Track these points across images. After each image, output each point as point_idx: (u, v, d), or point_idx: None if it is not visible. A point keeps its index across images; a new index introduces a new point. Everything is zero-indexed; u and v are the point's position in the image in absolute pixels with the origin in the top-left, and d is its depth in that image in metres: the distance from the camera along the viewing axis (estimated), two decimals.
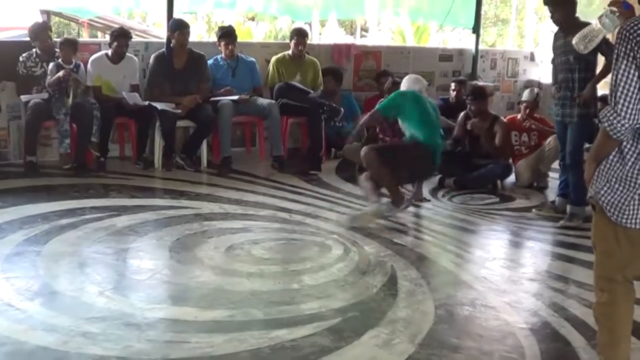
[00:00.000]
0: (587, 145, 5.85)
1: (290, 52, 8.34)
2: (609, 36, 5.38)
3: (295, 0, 9.98)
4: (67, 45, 7.21)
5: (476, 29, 10.09)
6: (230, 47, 7.98)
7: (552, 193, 6.94)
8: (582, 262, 4.94)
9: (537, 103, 7.64)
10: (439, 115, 6.46)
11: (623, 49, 2.68)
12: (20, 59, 7.16)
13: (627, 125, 2.68)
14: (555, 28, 6.17)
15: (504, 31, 24.20)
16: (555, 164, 7.07)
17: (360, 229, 5.58)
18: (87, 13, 10.42)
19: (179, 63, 7.73)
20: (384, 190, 5.98)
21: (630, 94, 2.65)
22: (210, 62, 7.98)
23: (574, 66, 5.85)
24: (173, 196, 6.40)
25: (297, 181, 7.19)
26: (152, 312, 3.86)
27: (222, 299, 4.08)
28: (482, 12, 10.72)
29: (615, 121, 2.69)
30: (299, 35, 8.41)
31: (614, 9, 4.92)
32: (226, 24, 12.52)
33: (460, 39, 18.55)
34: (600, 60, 5.82)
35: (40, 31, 7.28)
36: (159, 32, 15.20)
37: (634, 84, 2.65)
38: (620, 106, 2.66)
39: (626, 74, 2.66)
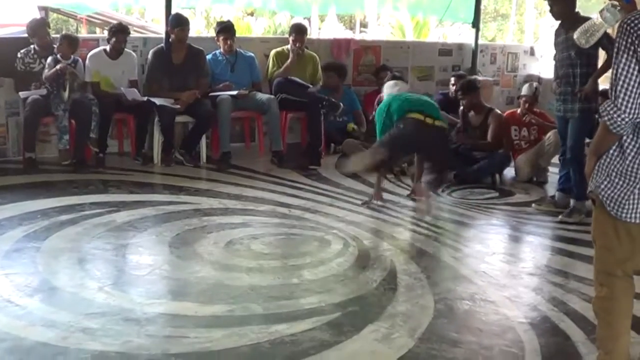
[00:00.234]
0: (587, 140, 5.85)
1: (289, 47, 8.32)
2: (610, 31, 5.38)
3: None
4: (67, 41, 7.19)
5: (476, 24, 10.06)
6: (229, 42, 7.97)
7: (551, 188, 6.94)
8: (581, 256, 4.94)
9: (537, 97, 7.64)
10: (431, 101, 6.36)
11: (624, 43, 2.67)
12: (19, 55, 7.15)
13: (627, 120, 2.67)
14: (556, 24, 6.15)
15: (503, 26, 24.19)
16: (555, 159, 7.07)
17: (359, 223, 5.59)
18: (86, 9, 10.39)
19: (177, 58, 7.71)
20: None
21: (630, 87, 2.65)
22: (209, 57, 7.96)
23: (575, 61, 5.84)
24: (172, 192, 6.39)
25: (296, 176, 7.19)
26: (151, 307, 3.86)
27: (222, 294, 4.08)
28: (482, 7, 10.68)
29: (615, 115, 2.68)
30: (298, 32, 8.39)
31: (615, 2, 4.92)
32: (225, 19, 12.49)
33: (459, 34, 18.56)
34: (601, 55, 5.81)
35: (39, 27, 7.27)
36: (158, 27, 15.17)
37: (634, 77, 2.64)
38: (620, 100, 2.66)
39: (627, 67, 2.65)
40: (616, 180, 2.79)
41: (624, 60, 2.66)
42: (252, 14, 21.44)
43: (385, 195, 6.36)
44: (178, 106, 7.45)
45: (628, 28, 2.68)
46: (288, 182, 6.93)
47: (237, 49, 8.11)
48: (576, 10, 5.91)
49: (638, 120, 2.69)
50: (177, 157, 7.53)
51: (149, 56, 7.78)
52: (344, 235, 5.31)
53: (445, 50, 10.00)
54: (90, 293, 4.03)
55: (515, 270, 4.77)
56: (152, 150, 7.53)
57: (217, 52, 8.06)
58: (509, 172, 7.59)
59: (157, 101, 7.38)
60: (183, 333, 3.55)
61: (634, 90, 2.65)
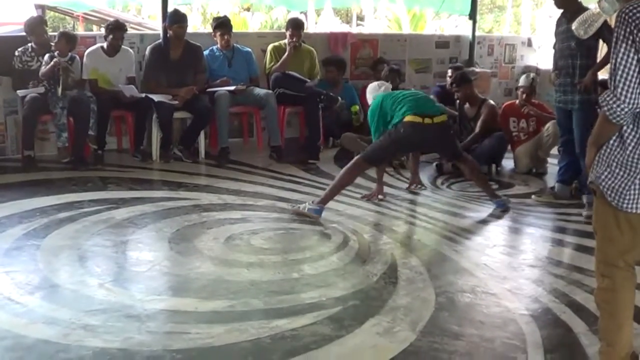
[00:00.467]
0: None
1: (285, 41, 8.31)
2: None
3: None
4: (65, 38, 7.18)
5: (473, 16, 10.05)
6: (226, 38, 7.96)
7: (551, 179, 6.94)
8: (582, 247, 4.94)
9: (534, 88, 7.63)
10: (425, 96, 6.22)
11: (622, 32, 2.66)
12: (16, 53, 7.13)
13: (626, 109, 2.67)
14: (555, 14, 6.13)
15: (500, 17, 24.15)
16: (554, 150, 7.07)
17: (359, 217, 5.58)
18: (82, 7, 10.40)
19: (175, 54, 7.70)
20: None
21: (629, 77, 2.64)
22: (206, 53, 7.95)
23: (575, 52, 5.81)
24: (171, 188, 6.39)
25: (295, 171, 7.18)
26: (152, 303, 3.85)
27: (222, 290, 4.08)
28: None
29: (614, 105, 2.68)
30: (294, 26, 8.37)
31: None
32: (221, 14, 12.46)
33: (456, 26, 18.52)
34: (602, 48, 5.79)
35: (36, 25, 7.26)
36: (154, 24, 15.14)
37: (633, 67, 2.63)
38: (619, 90, 2.65)
39: (625, 57, 2.64)
40: (617, 170, 2.78)
41: (622, 50, 2.65)
42: (248, 9, 21.37)
43: (385, 189, 6.35)
44: (176, 102, 7.44)
45: (626, 17, 2.67)
46: (287, 176, 6.93)
47: (234, 45, 8.10)
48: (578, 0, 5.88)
49: (638, 110, 2.68)
50: (175, 153, 7.53)
51: (147, 53, 7.76)
52: (344, 229, 5.31)
53: (442, 43, 9.98)
54: (90, 290, 4.02)
55: (516, 262, 4.77)
56: (150, 147, 7.52)
57: (214, 47, 8.04)
58: (508, 163, 7.59)
59: (155, 97, 7.37)
60: (184, 329, 3.54)
61: (633, 79, 2.64)
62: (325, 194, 5.67)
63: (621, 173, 2.77)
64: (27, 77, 7.13)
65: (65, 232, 5.03)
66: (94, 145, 7.23)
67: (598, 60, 5.88)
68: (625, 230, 2.85)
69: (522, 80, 7.63)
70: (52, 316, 3.63)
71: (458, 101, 7.70)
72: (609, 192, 2.81)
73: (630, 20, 2.64)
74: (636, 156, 2.73)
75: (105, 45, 7.51)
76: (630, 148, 2.74)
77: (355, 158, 5.79)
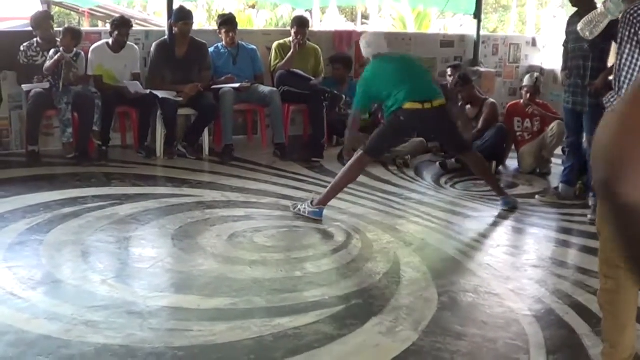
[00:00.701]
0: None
1: (290, 39, 8.30)
2: None
3: None
4: (70, 34, 7.18)
5: (477, 15, 10.03)
6: (231, 35, 7.95)
7: (555, 179, 6.92)
8: (586, 248, 4.93)
9: (538, 88, 7.61)
10: (420, 66, 6.02)
11: (627, 33, 2.66)
12: (22, 48, 7.13)
13: None
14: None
15: (505, 17, 24.12)
16: (558, 150, 7.05)
17: (362, 215, 5.58)
18: (88, 2, 10.42)
19: (180, 51, 7.70)
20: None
21: (634, 78, 2.63)
22: (211, 50, 7.95)
23: (588, 54, 5.73)
24: (175, 184, 6.39)
25: (299, 168, 7.18)
26: (154, 300, 3.85)
27: (225, 287, 4.08)
28: None
29: None
30: (299, 24, 8.36)
31: None
32: (227, 11, 12.47)
33: (461, 25, 18.48)
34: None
35: (43, 20, 7.26)
36: (160, 20, 15.16)
37: (638, 67, 2.63)
38: (624, 91, 2.64)
39: (630, 57, 2.64)
40: None
41: (627, 51, 2.66)
42: (253, 7, 21.38)
43: (388, 187, 6.35)
44: (181, 99, 7.44)
45: (631, 18, 2.67)
46: (291, 174, 6.92)
47: (239, 42, 8.09)
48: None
49: None
50: (179, 149, 7.52)
51: (152, 49, 7.76)
52: (347, 227, 5.31)
53: (447, 42, 9.97)
54: (93, 286, 4.03)
55: (519, 262, 4.76)
56: (154, 143, 7.53)
57: (219, 44, 8.04)
58: (512, 163, 7.58)
59: (160, 94, 7.37)
60: (186, 326, 3.54)
61: None
62: (326, 194, 5.56)
63: None
64: (32, 72, 7.13)
65: (68, 228, 5.03)
66: (98, 141, 7.24)
67: (610, 63, 5.83)
68: None
69: (526, 80, 7.62)
70: (55, 312, 3.63)
71: (460, 103, 7.69)
72: None
73: (635, 21, 2.65)
74: None
75: (110, 41, 7.52)
76: None
77: (358, 154, 5.61)
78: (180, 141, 7.59)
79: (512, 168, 7.56)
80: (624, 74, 2.65)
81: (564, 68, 6.09)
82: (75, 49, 7.19)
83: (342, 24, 20.16)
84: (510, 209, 5.92)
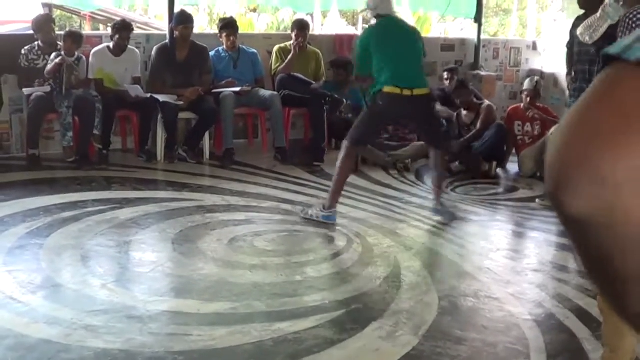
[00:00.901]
0: None
1: (291, 43, 8.31)
2: None
3: None
4: (72, 38, 7.18)
5: (478, 19, 10.04)
6: (231, 39, 7.95)
7: None
8: None
9: (538, 91, 7.61)
10: (418, 46, 5.66)
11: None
12: (23, 51, 7.13)
13: None
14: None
15: (505, 21, 24.13)
16: None
17: (362, 220, 5.57)
18: (89, 6, 10.40)
19: (181, 55, 7.71)
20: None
21: None
22: (212, 53, 7.95)
23: (595, 58, 5.64)
24: (176, 188, 6.39)
25: (299, 173, 7.18)
26: (154, 304, 3.85)
27: (225, 292, 4.07)
28: (484, 2, 10.63)
29: None
30: (300, 28, 8.36)
31: None
32: (228, 15, 12.48)
33: (461, 29, 18.48)
34: None
35: (44, 23, 7.27)
36: (161, 24, 15.16)
37: None
38: None
39: None
40: None
41: None
42: (255, 11, 21.39)
43: (389, 192, 6.35)
44: (181, 103, 7.45)
45: (630, 22, 2.67)
46: (291, 178, 6.92)
47: (240, 46, 8.10)
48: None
49: None
50: (180, 154, 7.52)
51: (153, 53, 7.77)
52: (348, 232, 5.30)
53: (447, 46, 9.97)
54: (93, 290, 4.02)
55: (520, 266, 4.76)
56: (155, 147, 7.53)
57: (220, 48, 8.04)
58: (513, 167, 7.58)
59: (161, 98, 7.37)
60: (186, 331, 3.54)
61: None
62: (331, 196, 5.51)
63: None
64: (33, 75, 7.13)
65: (68, 232, 5.03)
66: (98, 145, 7.24)
67: None
68: None
69: (526, 84, 7.63)
70: (54, 316, 3.63)
71: (456, 113, 7.71)
72: None
73: (633, 25, 2.64)
74: None
75: (111, 45, 7.52)
76: None
77: (343, 146, 5.50)
78: (180, 145, 7.59)
79: (513, 172, 7.56)
80: None
81: (569, 71, 6.06)
82: (76, 53, 7.20)
83: (343, 28, 20.18)
84: (446, 221, 5.66)
